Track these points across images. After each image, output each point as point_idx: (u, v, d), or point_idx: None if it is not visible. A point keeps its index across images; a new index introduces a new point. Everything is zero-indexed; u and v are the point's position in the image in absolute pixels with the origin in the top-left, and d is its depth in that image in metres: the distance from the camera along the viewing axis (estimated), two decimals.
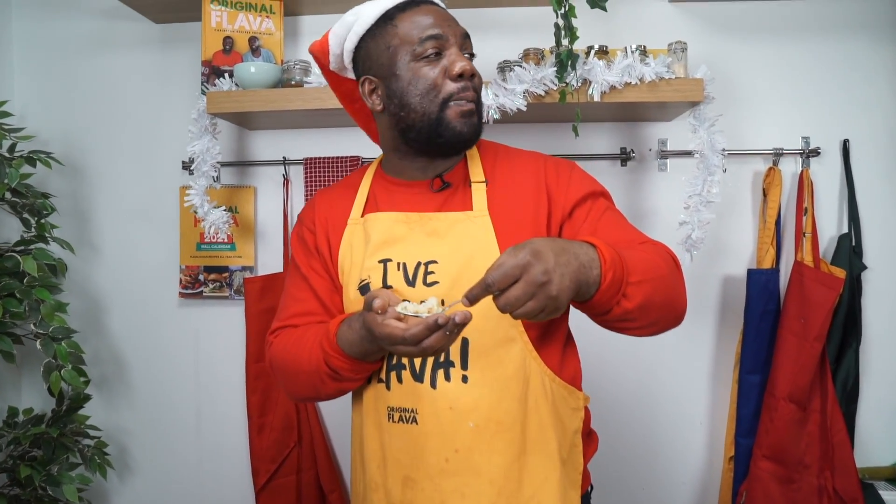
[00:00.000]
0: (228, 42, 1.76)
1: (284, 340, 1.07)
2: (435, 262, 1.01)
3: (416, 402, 0.99)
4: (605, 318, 0.91)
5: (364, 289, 1.04)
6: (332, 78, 1.16)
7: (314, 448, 1.90)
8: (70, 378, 1.71)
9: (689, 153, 1.68)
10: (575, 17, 1.51)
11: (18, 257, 1.71)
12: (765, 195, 1.80)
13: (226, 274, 1.95)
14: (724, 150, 1.62)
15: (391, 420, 1.02)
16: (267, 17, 1.79)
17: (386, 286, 1.02)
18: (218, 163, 1.76)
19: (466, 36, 1.04)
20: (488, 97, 1.59)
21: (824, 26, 1.82)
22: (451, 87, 1.00)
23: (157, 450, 2.03)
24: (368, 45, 1.05)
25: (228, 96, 1.66)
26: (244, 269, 1.95)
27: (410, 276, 1.02)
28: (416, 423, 0.99)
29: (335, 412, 1.95)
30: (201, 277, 1.95)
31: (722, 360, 1.86)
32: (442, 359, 0.99)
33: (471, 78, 1.02)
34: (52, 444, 1.79)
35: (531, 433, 1.00)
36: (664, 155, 1.85)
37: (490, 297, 0.79)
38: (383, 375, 1.03)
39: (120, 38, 1.99)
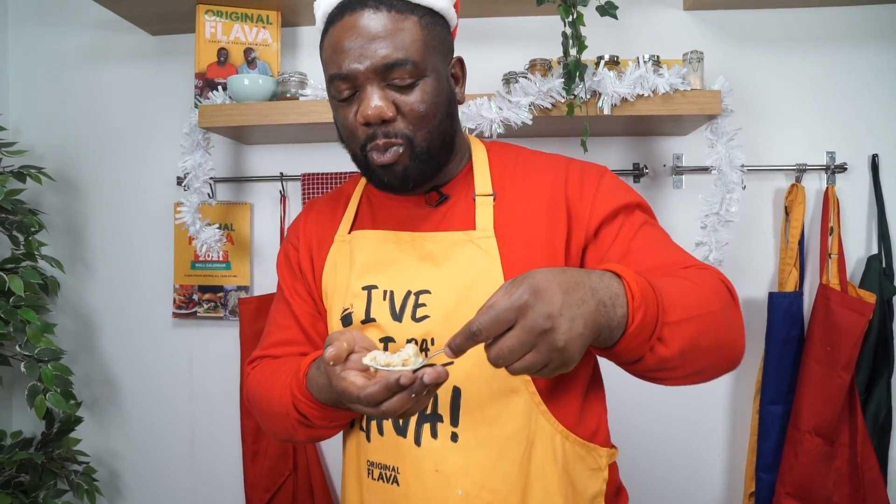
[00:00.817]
0: (223, 54, 1.70)
1: (260, 374, 0.96)
2: (427, 291, 0.87)
3: (397, 460, 0.86)
4: (636, 367, 0.72)
5: (346, 319, 0.92)
6: None
7: (311, 478, 1.81)
8: (56, 402, 1.64)
9: (705, 169, 1.58)
10: (584, 25, 1.43)
11: (4, 276, 1.65)
12: (787, 214, 1.70)
13: (220, 294, 1.88)
14: (743, 165, 1.52)
15: (370, 476, 0.90)
16: (263, 27, 1.72)
17: (369, 319, 0.90)
18: (212, 178, 1.69)
19: (392, 65, 0.82)
20: (492, 111, 1.50)
21: (850, 34, 1.71)
22: (361, 133, 0.85)
23: (149, 476, 1.96)
24: None
25: (220, 110, 1.59)
26: (239, 288, 1.87)
27: (398, 309, 0.88)
28: (398, 484, 0.86)
29: (334, 440, 1.86)
30: (195, 297, 1.88)
31: (741, 389, 1.75)
32: (428, 411, 0.85)
33: (382, 124, 0.84)
34: (38, 469, 1.73)
35: None
36: (679, 171, 1.75)
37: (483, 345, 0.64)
38: (364, 423, 0.91)
39: (116, 50, 1.94)
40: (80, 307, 1.98)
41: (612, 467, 0.94)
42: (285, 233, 1.82)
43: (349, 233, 0.98)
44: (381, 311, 0.89)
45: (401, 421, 0.86)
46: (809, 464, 1.56)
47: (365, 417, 0.90)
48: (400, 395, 0.69)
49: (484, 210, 0.90)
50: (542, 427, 0.85)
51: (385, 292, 0.90)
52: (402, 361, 0.71)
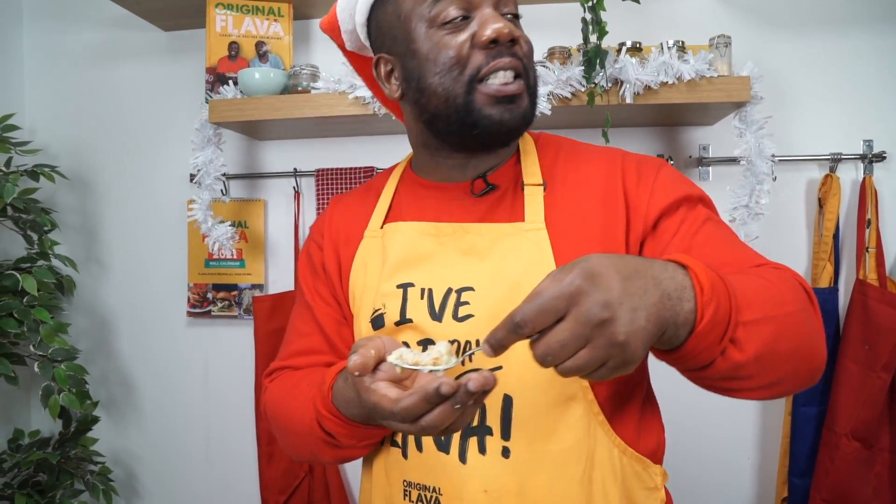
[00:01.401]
0: (234, 47, 1.66)
1: (279, 387, 0.87)
2: (471, 288, 0.78)
3: (439, 480, 0.76)
4: (705, 374, 0.62)
5: (377, 321, 0.81)
6: (353, 59, 0.94)
7: (327, 480, 1.77)
8: (69, 402, 1.63)
9: (734, 160, 1.51)
10: (604, 9, 1.37)
11: (18, 275, 1.63)
12: (821, 206, 1.62)
13: (235, 292, 1.85)
14: (773, 155, 1.45)
15: (407, 498, 0.79)
16: (275, 20, 1.69)
17: (404, 320, 0.79)
18: (224, 175, 1.66)
19: None
20: None
21: (887, 15, 1.62)
22: (479, 59, 0.75)
23: (165, 476, 1.94)
24: (379, 15, 0.82)
25: (231, 105, 1.56)
26: (254, 286, 1.84)
27: (437, 308, 0.78)
28: None
29: None
30: (209, 296, 1.86)
31: None
32: (475, 423, 0.75)
33: (510, 44, 0.75)
34: (54, 469, 1.72)
35: None
36: (706, 162, 1.67)
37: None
38: (399, 438, 0.80)
39: (129, 47, 1.92)
40: (95, 306, 1.97)
41: (666, 492, 0.85)
42: (300, 230, 1.81)
43: (381, 227, 0.88)
44: (418, 310, 0.79)
45: (442, 436, 0.73)
46: (847, 469, 1.48)
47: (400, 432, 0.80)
48: (442, 406, 0.59)
49: (534, 200, 0.81)
50: (602, 440, 0.76)
51: (423, 290, 0.80)
52: (432, 361, 0.62)
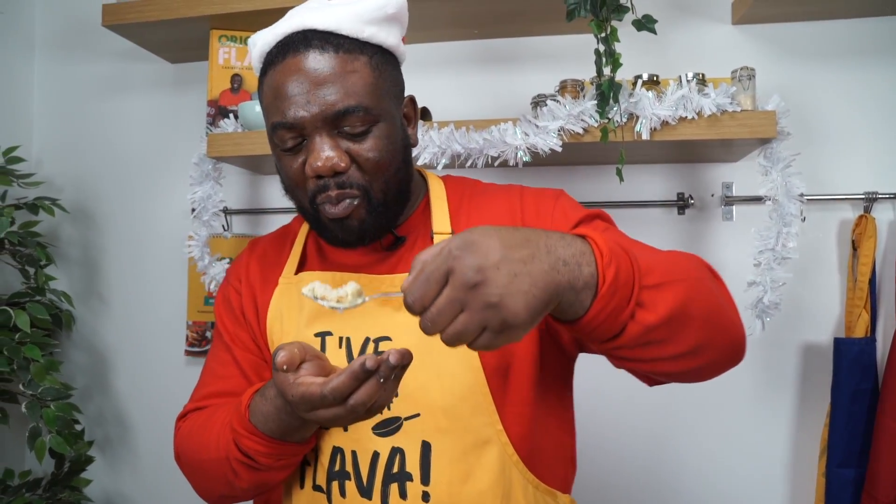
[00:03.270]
0: (237, 80, 1.62)
1: (191, 424, 0.87)
2: (388, 338, 0.81)
3: None
4: (619, 345, 0.63)
5: None
6: None
7: None
8: (56, 445, 1.57)
9: (759, 199, 1.41)
10: (618, 41, 1.30)
11: (10, 311, 1.59)
12: (854, 249, 1.50)
13: None
14: (802, 195, 1.35)
15: None
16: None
17: None
18: (223, 210, 1.61)
19: (343, 112, 0.76)
20: (517, 137, 1.37)
21: None
22: (311, 186, 0.80)
23: None
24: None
25: (230, 138, 1.51)
26: None
27: (356, 356, 0.82)
28: None
29: None
30: (208, 334, 1.79)
31: (804, 448, 1.54)
32: (395, 469, 0.78)
33: (335, 175, 0.78)
34: None
35: None
36: (729, 201, 1.58)
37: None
38: (323, 483, 0.81)
39: (136, 79, 1.91)
40: (94, 342, 1.92)
41: None
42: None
43: (296, 274, 0.91)
44: (337, 360, 0.81)
45: (364, 480, 0.79)
46: None
47: (325, 476, 0.81)
48: (368, 383, 0.63)
49: None
50: (517, 479, 0.81)
51: (341, 339, 0.84)
52: (336, 298, 0.66)
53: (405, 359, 0.62)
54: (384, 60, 0.82)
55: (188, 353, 1.81)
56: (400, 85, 0.87)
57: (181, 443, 0.88)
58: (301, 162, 0.80)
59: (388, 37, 0.83)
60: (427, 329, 0.56)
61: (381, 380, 0.63)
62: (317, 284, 0.67)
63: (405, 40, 0.90)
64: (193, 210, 1.59)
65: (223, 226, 1.63)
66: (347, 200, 0.79)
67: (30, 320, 1.59)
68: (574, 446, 0.92)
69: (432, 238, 0.86)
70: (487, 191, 0.92)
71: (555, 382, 0.88)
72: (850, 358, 1.44)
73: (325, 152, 0.77)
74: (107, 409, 1.90)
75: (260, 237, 1.02)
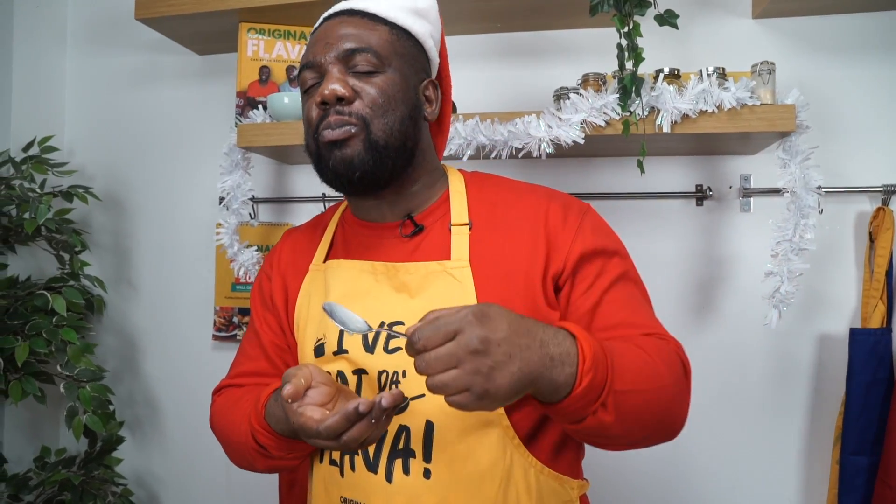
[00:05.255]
0: (265, 72, 1.67)
1: (223, 402, 0.96)
2: (401, 322, 0.85)
3: (369, 497, 0.83)
4: (576, 427, 0.72)
5: (319, 350, 0.90)
6: None
7: None
8: (92, 424, 1.63)
9: (777, 191, 1.43)
10: (640, 35, 1.32)
11: (48, 295, 1.65)
12: (872, 241, 1.52)
13: None
14: (820, 187, 1.37)
15: None
16: (306, 45, 1.68)
17: (341, 351, 0.88)
18: (251, 199, 1.66)
19: (354, 50, 0.84)
20: (540, 129, 1.41)
21: None
22: (316, 114, 0.85)
23: (186, 501, 1.92)
24: None
25: (260, 129, 1.55)
26: None
27: (370, 339, 0.86)
28: None
29: None
30: (235, 320, 1.85)
31: (818, 436, 1.57)
32: (401, 446, 0.83)
33: (336, 102, 0.83)
34: (77, 490, 1.72)
35: None
36: (748, 193, 1.60)
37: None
38: (337, 457, 0.87)
39: (165, 71, 1.95)
40: (125, 326, 1.98)
41: (583, 499, 0.93)
42: None
43: (324, 262, 0.96)
44: (353, 342, 0.87)
45: (371, 456, 0.84)
46: None
47: (339, 451, 0.87)
48: (360, 423, 0.69)
49: (459, 240, 0.88)
50: (517, 461, 0.83)
51: None
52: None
53: (397, 401, 0.68)
54: (406, 37, 0.89)
55: (216, 337, 1.86)
56: (421, 64, 0.91)
57: (214, 415, 0.97)
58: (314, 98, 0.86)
59: (415, 24, 0.90)
60: (420, 368, 0.62)
61: (373, 420, 0.69)
62: (336, 306, 0.75)
63: (444, 54, 0.97)
64: (222, 199, 1.63)
65: (250, 214, 1.68)
66: (346, 127, 0.83)
67: (66, 304, 1.65)
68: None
69: (450, 229, 0.89)
70: (514, 189, 0.94)
71: None
72: (866, 349, 1.46)
73: (333, 83, 0.83)
74: (137, 391, 1.96)
75: (295, 227, 1.08)
